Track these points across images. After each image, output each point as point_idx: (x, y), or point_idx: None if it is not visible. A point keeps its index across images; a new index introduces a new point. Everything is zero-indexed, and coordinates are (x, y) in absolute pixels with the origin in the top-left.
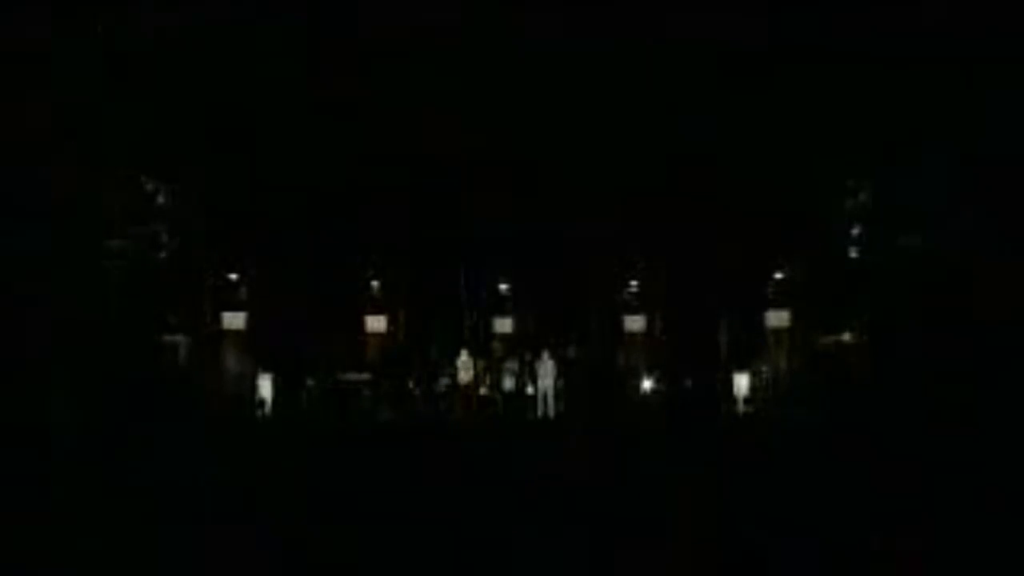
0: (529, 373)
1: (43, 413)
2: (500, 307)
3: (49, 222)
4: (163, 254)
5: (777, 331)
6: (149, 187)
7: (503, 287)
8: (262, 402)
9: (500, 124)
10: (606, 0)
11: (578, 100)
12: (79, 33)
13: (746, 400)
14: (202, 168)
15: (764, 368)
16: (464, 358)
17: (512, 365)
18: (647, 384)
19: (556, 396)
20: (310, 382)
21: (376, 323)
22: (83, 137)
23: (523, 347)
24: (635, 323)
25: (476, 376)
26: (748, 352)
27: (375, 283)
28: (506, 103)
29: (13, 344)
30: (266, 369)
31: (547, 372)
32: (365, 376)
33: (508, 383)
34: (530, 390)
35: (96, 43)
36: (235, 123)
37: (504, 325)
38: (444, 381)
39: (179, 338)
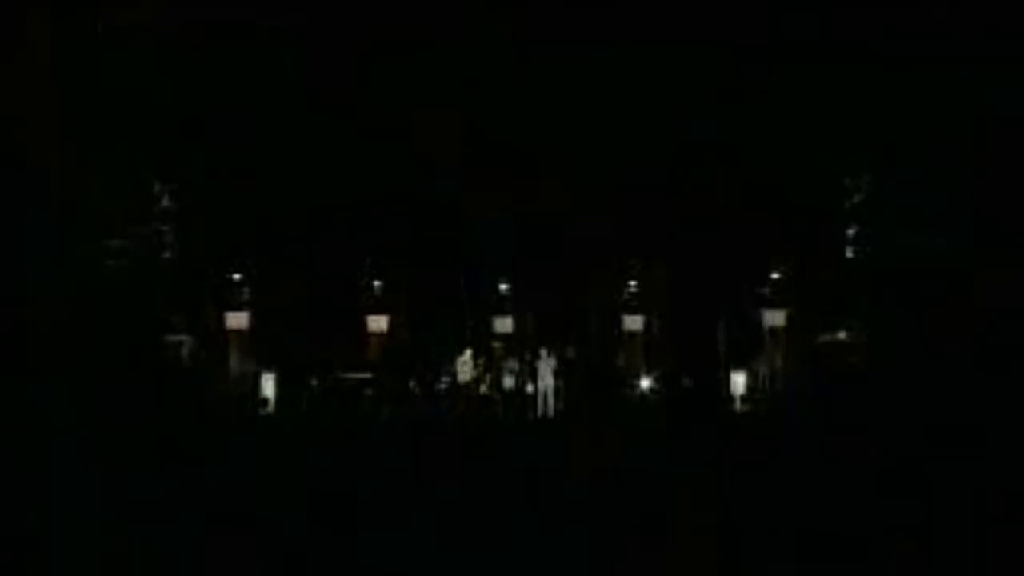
0: (529, 373)
1: (43, 413)
2: (500, 307)
3: (49, 222)
4: (167, 254)
5: (774, 330)
6: (151, 187)
7: (503, 287)
8: (265, 401)
9: (500, 124)
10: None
11: (577, 100)
12: (80, 32)
13: (743, 399)
14: (203, 168)
15: (761, 367)
16: (467, 357)
17: (512, 365)
18: (646, 384)
19: (556, 396)
20: (312, 381)
21: (377, 323)
22: (83, 137)
23: (523, 347)
24: (634, 323)
25: (476, 376)
26: (746, 351)
27: (376, 283)
28: (506, 103)
29: (13, 344)
30: (268, 368)
31: (547, 372)
32: (366, 375)
33: (508, 383)
34: (530, 390)
35: (97, 42)
36: (235, 123)
37: (504, 325)
38: (445, 380)
39: (182, 338)
